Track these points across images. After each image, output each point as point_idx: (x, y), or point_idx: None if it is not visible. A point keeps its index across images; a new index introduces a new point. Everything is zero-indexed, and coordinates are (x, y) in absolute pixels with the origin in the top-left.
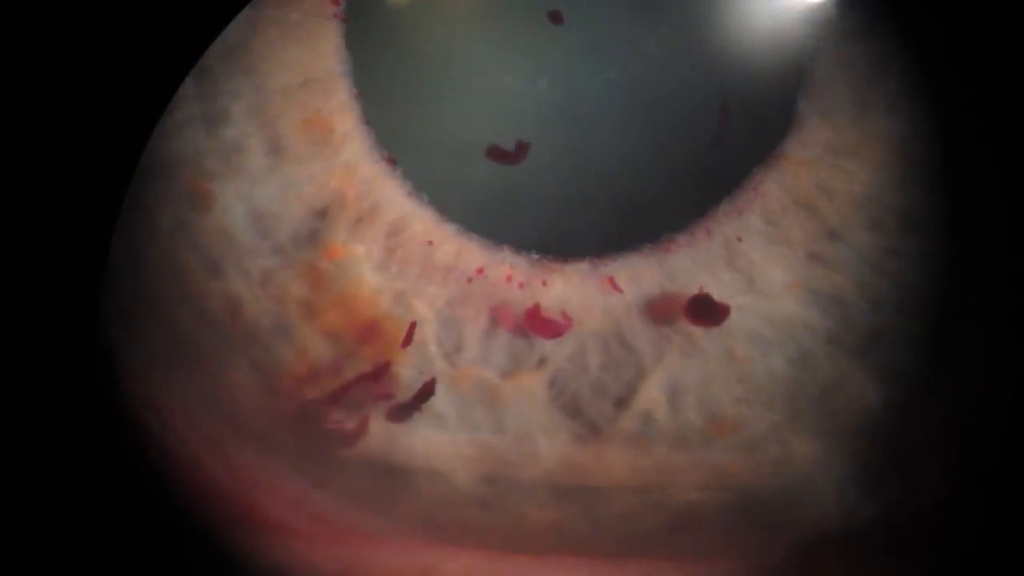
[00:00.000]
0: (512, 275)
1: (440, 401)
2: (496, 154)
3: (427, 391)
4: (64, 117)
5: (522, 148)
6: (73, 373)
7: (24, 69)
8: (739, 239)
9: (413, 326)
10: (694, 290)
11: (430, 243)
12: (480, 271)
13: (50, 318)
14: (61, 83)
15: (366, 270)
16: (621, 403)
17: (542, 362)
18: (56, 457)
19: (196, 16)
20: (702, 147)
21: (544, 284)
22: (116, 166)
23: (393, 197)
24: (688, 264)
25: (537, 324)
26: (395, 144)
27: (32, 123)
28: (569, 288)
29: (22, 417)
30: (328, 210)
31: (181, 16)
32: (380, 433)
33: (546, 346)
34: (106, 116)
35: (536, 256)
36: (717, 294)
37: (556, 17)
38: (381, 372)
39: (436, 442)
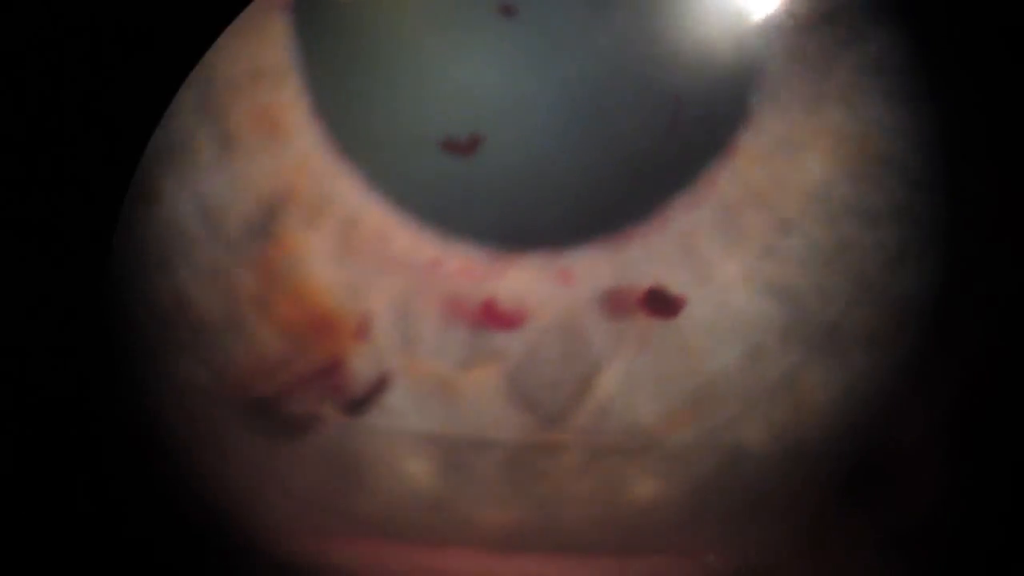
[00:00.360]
0: (467, 267)
1: (394, 395)
2: (450, 146)
3: (381, 385)
4: (63, 118)
5: (474, 140)
6: (71, 371)
7: (23, 70)
8: (694, 232)
9: (367, 319)
10: (649, 283)
11: (384, 235)
12: (435, 263)
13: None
14: (61, 84)
15: (318, 263)
16: (577, 396)
17: (498, 355)
18: (38, 454)
19: (197, 16)
20: (657, 140)
21: (500, 277)
22: (116, 166)
23: (346, 190)
24: (643, 257)
25: (493, 317)
26: (347, 136)
27: (31, 124)
28: (524, 280)
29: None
30: (279, 203)
31: (181, 16)
32: (333, 428)
33: (502, 339)
34: (105, 117)
35: (492, 248)
36: (672, 287)
37: (508, 10)
38: (334, 366)
39: (390, 437)
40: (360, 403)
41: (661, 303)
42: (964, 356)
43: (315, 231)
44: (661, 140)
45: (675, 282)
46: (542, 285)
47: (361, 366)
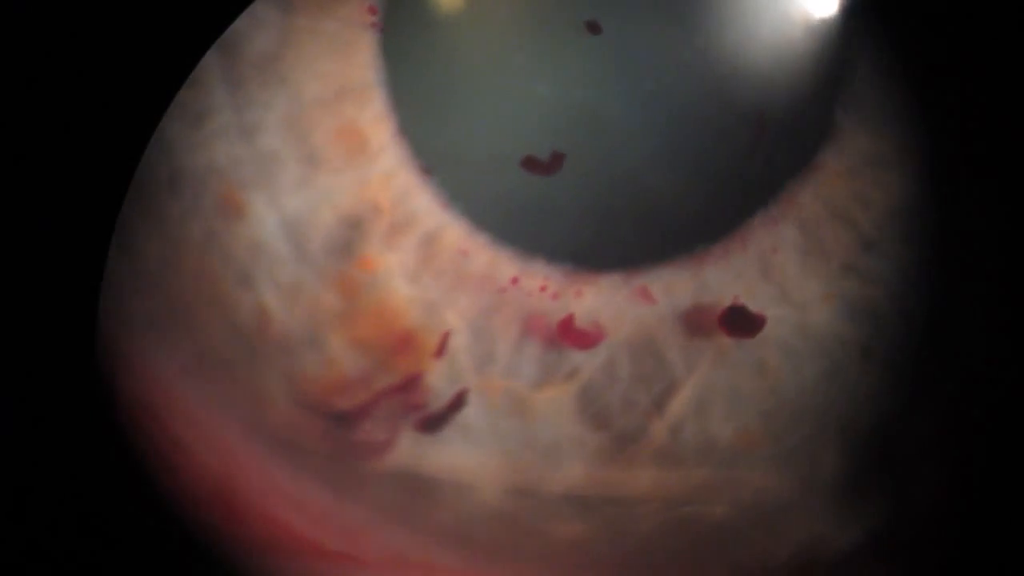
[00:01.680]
0: (546, 285)
1: (470, 412)
2: (531, 164)
3: (458, 402)
4: (62, 120)
5: (557, 159)
6: (76, 384)
7: (21, 73)
8: (774, 250)
9: (446, 337)
10: (728, 301)
11: (464, 253)
12: (514, 281)
13: (53, 328)
14: (59, 86)
15: (399, 280)
16: (650, 416)
17: (573, 373)
18: (68, 471)
19: (196, 18)
20: (738, 157)
21: (577, 295)
22: (114, 170)
23: (427, 207)
24: (722, 275)
25: (570, 335)
26: (430, 154)
27: (29, 127)
28: (602, 299)
29: (29, 427)
30: (362, 220)
31: (180, 19)
32: (410, 445)
33: (578, 357)
34: (103, 120)
35: (570, 267)
36: (751, 305)
37: (594, 27)
38: (412, 383)
39: (465, 454)
40: (437, 420)
41: (741, 322)
42: None
43: (396, 249)
44: (743, 157)
45: (755, 300)
46: (620, 303)
47: (438, 384)
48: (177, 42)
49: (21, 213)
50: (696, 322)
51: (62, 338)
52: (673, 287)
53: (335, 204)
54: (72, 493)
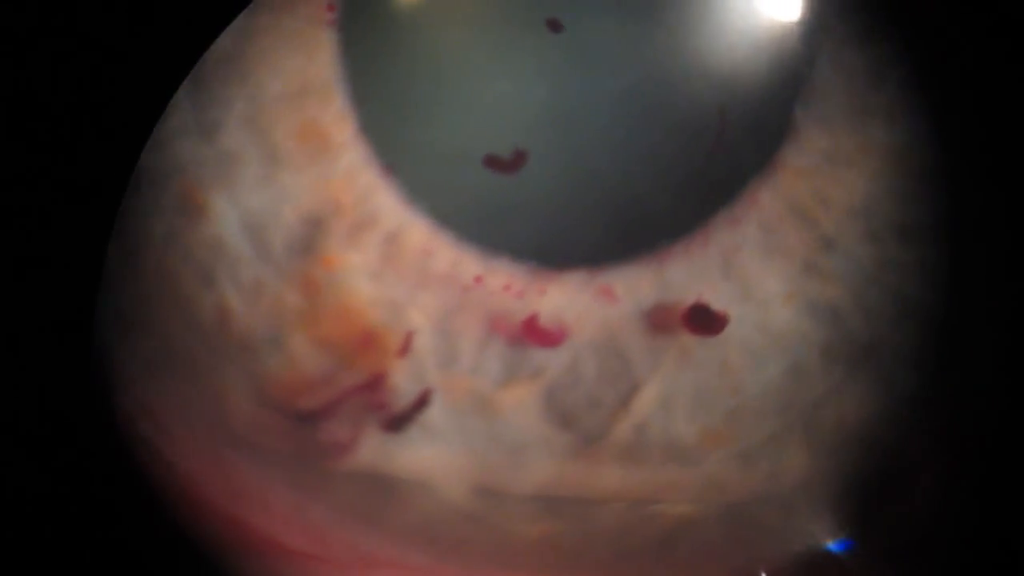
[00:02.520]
0: (510, 284)
1: (435, 412)
2: (493, 163)
3: (422, 401)
4: (60, 122)
5: (519, 156)
6: (69, 380)
7: (21, 74)
8: (736, 249)
9: (410, 336)
10: (691, 300)
11: (427, 252)
12: (477, 280)
13: (48, 325)
14: (57, 87)
15: (362, 279)
16: (615, 415)
17: (538, 373)
18: (49, 465)
19: (191, 23)
20: (699, 156)
21: (541, 293)
22: (112, 173)
23: (390, 206)
24: (685, 274)
25: (534, 334)
26: (392, 153)
27: (27, 130)
28: (566, 298)
29: (16, 423)
30: (323, 219)
31: (175, 23)
32: (374, 444)
33: (542, 356)
34: (102, 122)
35: (534, 265)
36: (714, 304)
37: (554, 25)
38: (376, 382)
39: (430, 453)
40: (401, 420)
41: (704, 320)
42: (1009, 375)
43: (358, 248)
44: (704, 156)
45: (717, 299)
46: (584, 302)
47: (402, 383)
48: (171, 51)
49: (20, 214)
50: (659, 321)
51: (57, 341)
52: (636, 286)
53: (296, 203)
54: (43, 491)
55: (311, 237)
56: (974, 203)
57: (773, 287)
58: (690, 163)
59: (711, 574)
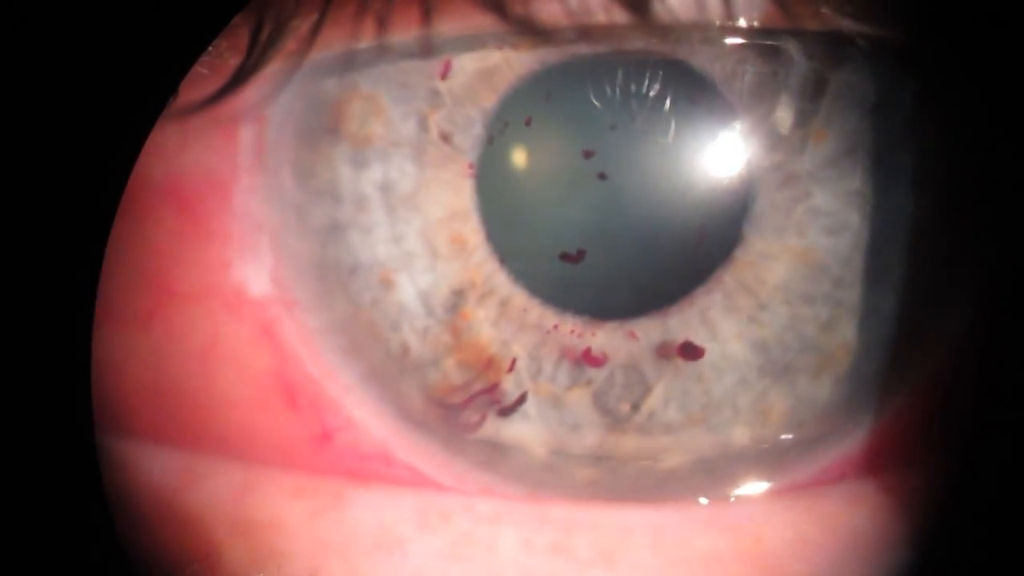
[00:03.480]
0: (574, 329)
1: (528, 405)
2: (565, 256)
3: (521, 399)
4: (60, 125)
5: (580, 253)
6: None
7: (20, 75)
8: (708, 308)
9: (514, 361)
10: (682, 339)
11: (524, 310)
12: (555, 327)
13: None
14: (57, 88)
15: (485, 327)
16: (635, 407)
17: (589, 382)
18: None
19: (174, 41)
20: (687, 254)
21: (592, 335)
22: (108, 183)
23: (502, 283)
24: (679, 324)
25: (587, 359)
26: (505, 251)
27: (26, 132)
28: (607, 337)
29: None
30: (463, 291)
31: (165, 34)
32: (492, 424)
33: (592, 372)
34: (101, 125)
35: (588, 318)
36: (696, 341)
37: (603, 175)
38: (494, 388)
39: (526, 429)
40: (509, 410)
41: (689, 351)
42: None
43: (483, 307)
44: (691, 254)
45: (698, 338)
46: (618, 340)
47: (510, 388)
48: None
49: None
50: (663, 352)
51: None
52: (649, 331)
53: (448, 281)
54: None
55: (456, 301)
56: (853, 283)
57: (729, 331)
58: (683, 259)
59: (686, 497)
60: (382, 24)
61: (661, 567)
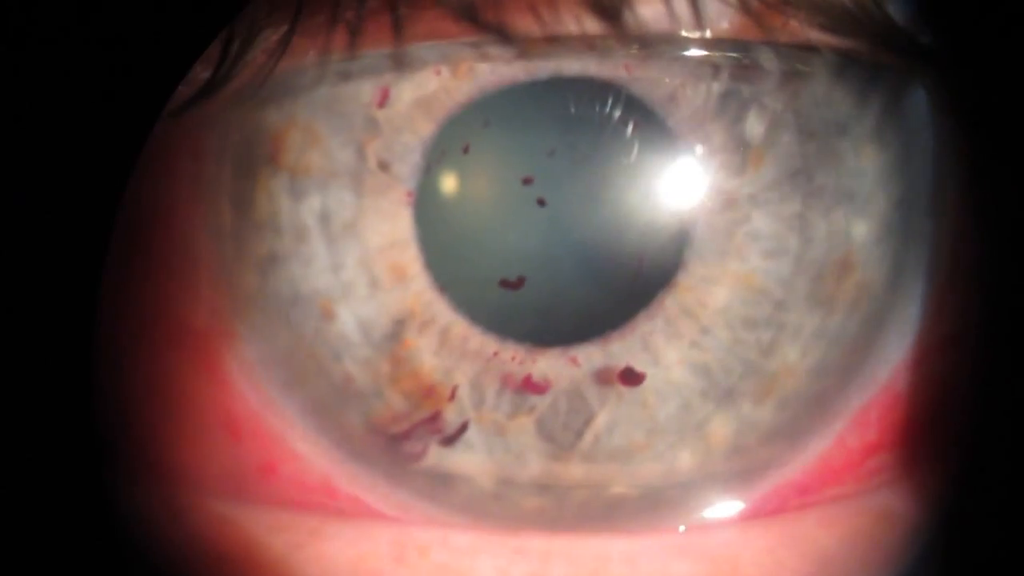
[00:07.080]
0: (515, 356)
1: (471, 434)
2: (505, 283)
3: (463, 428)
4: (59, 126)
5: (521, 280)
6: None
7: (21, 76)
8: (650, 334)
9: (455, 388)
10: (623, 365)
11: (464, 338)
12: (495, 354)
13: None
14: (56, 89)
15: (427, 356)
16: (578, 434)
17: (531, 409)
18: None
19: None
20: (629, 280)
21: (534, 361)
22: (105, 192)
23: (443, 310)
24: (620, 349)
25: (529, 386)
26: (444, 279)
27: (25, 134)
28: (549, 364)
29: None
30: (403, 319)
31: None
32: (435, 454)
33: (534, 399)
34: (100, 127)
35: (529, 344)
36: (636, 367)
37: (542, 202)
38: (436, 417)
39: (469, 459)
40: (451, 439)
41: (631, 377)
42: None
43: (424, 336)
44: (631, 280)
45: (639, 364)
46: (560, 366)
47: (451, 417)
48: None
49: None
50: (604, 377)
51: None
52: (591, 356)
53: (389, 310)
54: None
55: (397, 330)
56: (795, 306)
57: (671, 356)
58: (624, 284)
59: (638, 528)
60: (353, 34)
61: None
